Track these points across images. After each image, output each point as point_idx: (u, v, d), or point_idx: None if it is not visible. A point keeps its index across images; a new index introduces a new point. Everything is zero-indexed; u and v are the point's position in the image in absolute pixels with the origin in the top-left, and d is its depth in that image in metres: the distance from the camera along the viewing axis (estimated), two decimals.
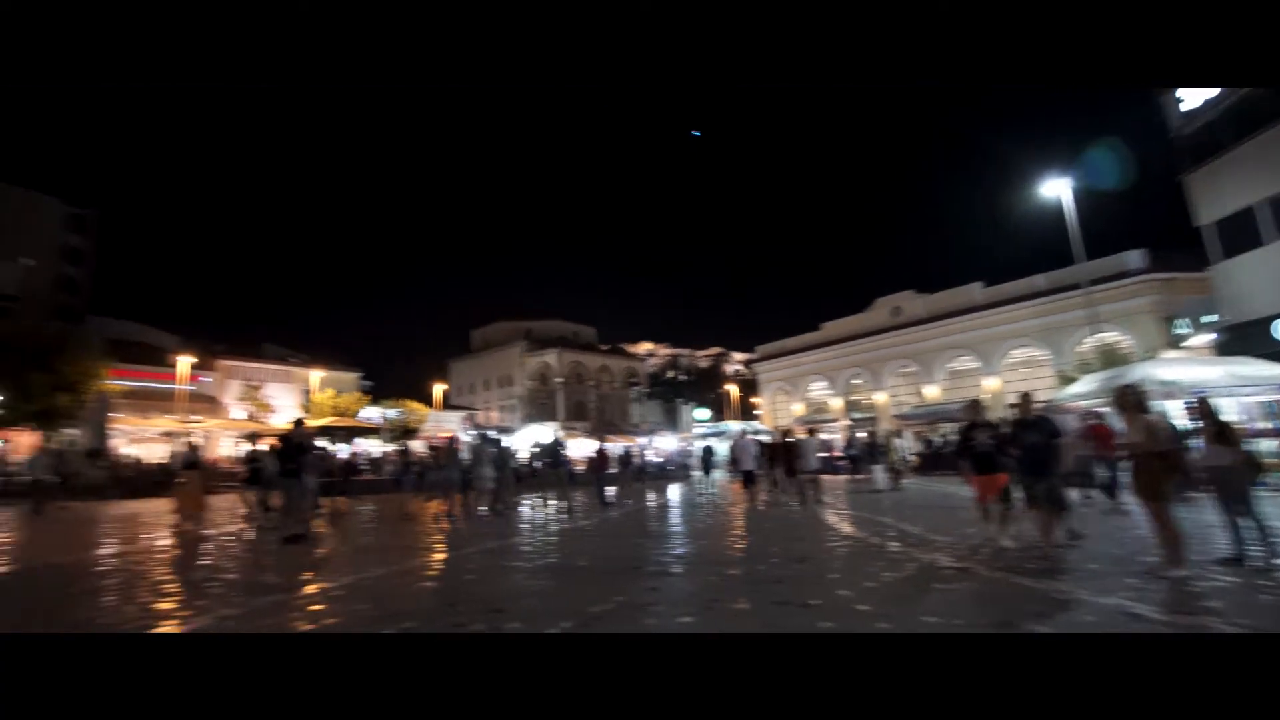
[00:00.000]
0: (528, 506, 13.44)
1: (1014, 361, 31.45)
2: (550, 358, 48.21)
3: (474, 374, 53.13)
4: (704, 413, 44.59)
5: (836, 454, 25.08)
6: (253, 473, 11.25)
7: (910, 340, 35.30)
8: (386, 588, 5.95)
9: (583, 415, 46.57)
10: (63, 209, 47.48)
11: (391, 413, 33.44)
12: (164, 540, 9.41)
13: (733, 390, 48.45)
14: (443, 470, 11.75)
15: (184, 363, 28.11)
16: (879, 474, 16.43)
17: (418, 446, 25.26)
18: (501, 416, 46.70)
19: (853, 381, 38.66)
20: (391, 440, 29.56)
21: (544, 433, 32.95)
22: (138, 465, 24.21)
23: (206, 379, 33.23)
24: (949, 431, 26.01)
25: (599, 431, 37.65)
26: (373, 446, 29.59)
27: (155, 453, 26.81)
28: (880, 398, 36.40)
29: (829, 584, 5.61)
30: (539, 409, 46.38)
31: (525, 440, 29.98)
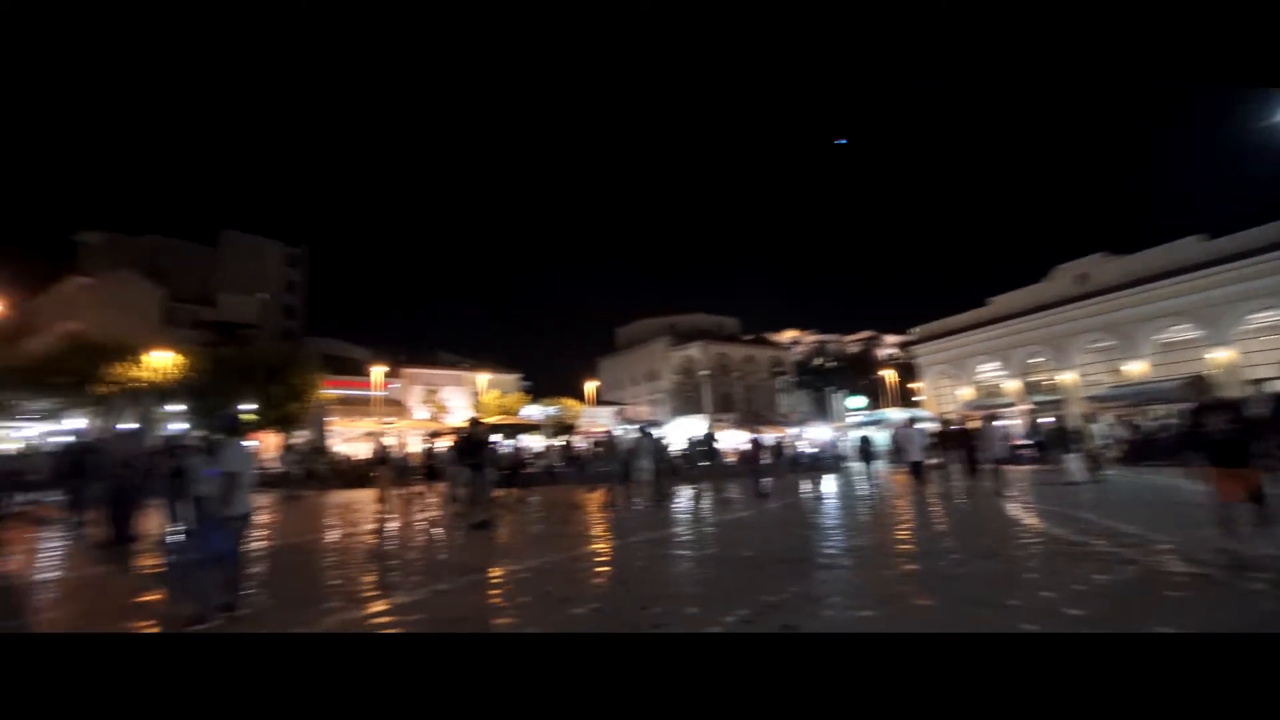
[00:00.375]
0: (684, 498, 13.72)
1: (1253, 328, 25.96)
2: (694, 351, 48.57)
3: (621, 370, 55.10)
4: (858, 400, 42.22)
5: (1019, 441, 22.47)
6: (430, 468, 12.80)
7: (1103, 310, 30.54)
8: (566, 571, 6.43)
9: (729, 407, 46.36)
10: (283, 249, 57.04)
11: (550, 410, 35.80)
12: (375, 525, 10.92)
13: (888, 375, 45.40)
14: (605, 463, 12.39)
15: (377, 372, 32.40)
16: (1073, 464, 14.46)
17: (578, 441, 26.83)
18: (650, 411, 47.99)
19: (1030, 361, 34.40)
20: (551, 436, 31.65)
21: (693, 425, 33.34)
22: (349, 461, 28.36)
23: (395, 385, 37.96)
24: (1165, 414, 22.22)
25: (747, 423, 37.28)
26: (534, 442, 31.91)
27: (360, 450, 31.21)
28: (1067, 377, 31.99)
29: (1026, 584, 5.11)
30: (686, 402, 46.95)
31: (675, 433, 30.53)
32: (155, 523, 9.25)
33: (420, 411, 38.23)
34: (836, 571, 6.05)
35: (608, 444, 13.10)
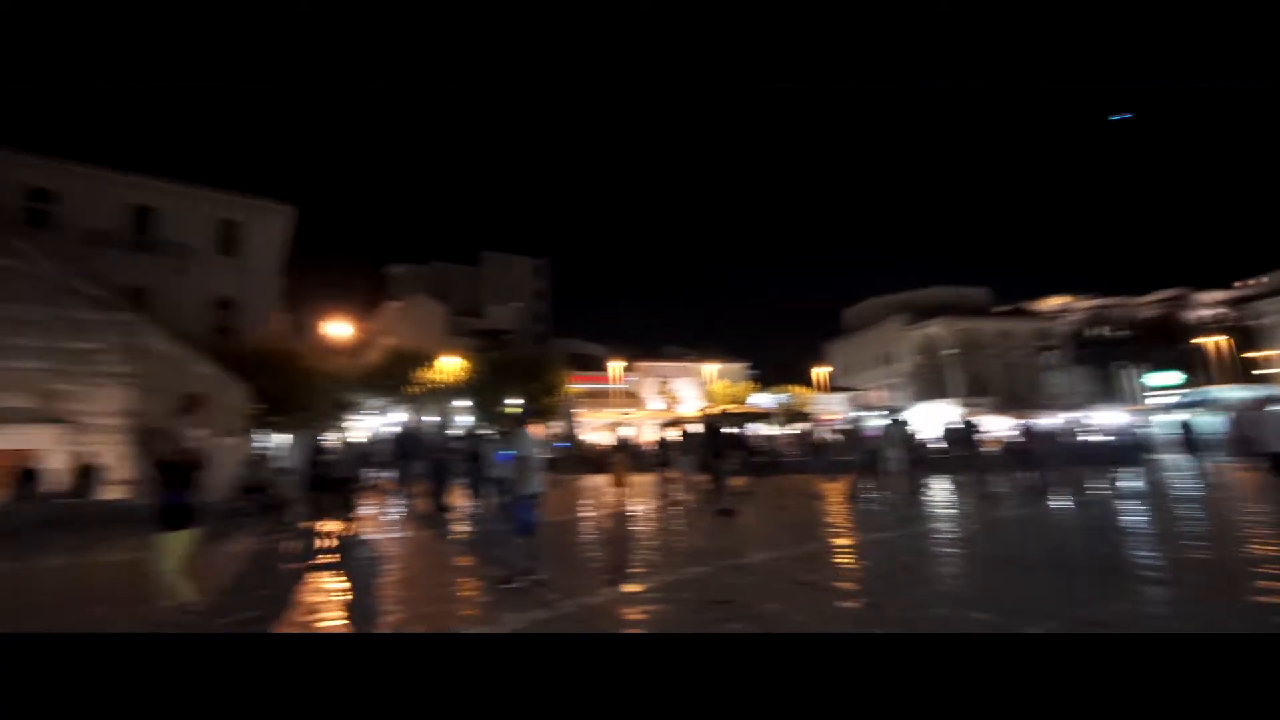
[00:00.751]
0: (939, 491, 12.37)
1: None
2: (935, 328, 43.68)
3: (851, 354, 51.95)
4: (1168, 376, 33.88)
5: None
6: (664, 457, 13.41)
7: None
8: (824, 562, 6.20)
9: (983, 389, 40.76)
10: (530, 262, 65.38)
11: (780, 397, 35.29)
12: (624, 507, 11.80)
13: (1211, 342, 35.58)
14: (847, 452, 11.76)
15: (615, 367, 35.24)
16: None
17: (817, 429, 26.02)
18: (888, 396, 44.49)
19: None
20: (783, 424, 31.17)
21: (938, 411, 30.08)
22: (594, 448, 31.39)
23: (631, 378, 40.90)
24: None
25: (1008, 406, 32.43)
26: (766, 430, 31.73)
27: (602, 439, 34.32)
28: None
29: None
30: (928, 385, 42.49)
31: (918, 420, 27.86)
32: (462, 498, 11.23)
33: (655, 402, 40.62)
34: (1171, 588, 4.87)
35: (851, 432, 12.39)
